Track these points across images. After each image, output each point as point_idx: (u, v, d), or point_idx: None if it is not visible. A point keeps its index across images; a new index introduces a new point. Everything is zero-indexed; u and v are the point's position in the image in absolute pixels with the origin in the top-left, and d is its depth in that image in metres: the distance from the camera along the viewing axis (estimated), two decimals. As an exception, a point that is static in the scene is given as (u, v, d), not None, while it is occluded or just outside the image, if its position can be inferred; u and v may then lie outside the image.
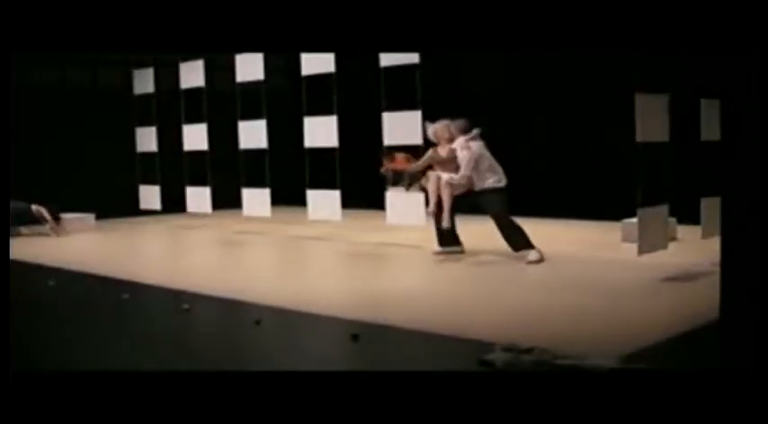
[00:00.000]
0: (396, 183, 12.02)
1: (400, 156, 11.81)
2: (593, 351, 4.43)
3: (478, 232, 10.58)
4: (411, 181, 11.71)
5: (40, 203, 11.19)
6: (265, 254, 9.65)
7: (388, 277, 7.79)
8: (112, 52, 12.61)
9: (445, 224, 8.00)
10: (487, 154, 8.21)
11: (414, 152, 8.77)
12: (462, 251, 8.44)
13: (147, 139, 12.57)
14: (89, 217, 12.19)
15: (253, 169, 10.59)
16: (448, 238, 8.39)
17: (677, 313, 5.53)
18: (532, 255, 7.86)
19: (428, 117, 8.57)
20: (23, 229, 11.26)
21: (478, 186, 8.12)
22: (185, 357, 4.90)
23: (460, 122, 8.29)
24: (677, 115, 7.10)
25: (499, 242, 9.04)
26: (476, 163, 8.07)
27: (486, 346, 4.57)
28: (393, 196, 9.29)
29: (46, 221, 11.21)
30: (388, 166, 12.02)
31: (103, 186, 13.15)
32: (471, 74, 12.40)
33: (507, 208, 8.16)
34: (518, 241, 7.97)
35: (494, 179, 8.14)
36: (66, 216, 11.77)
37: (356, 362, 4.71)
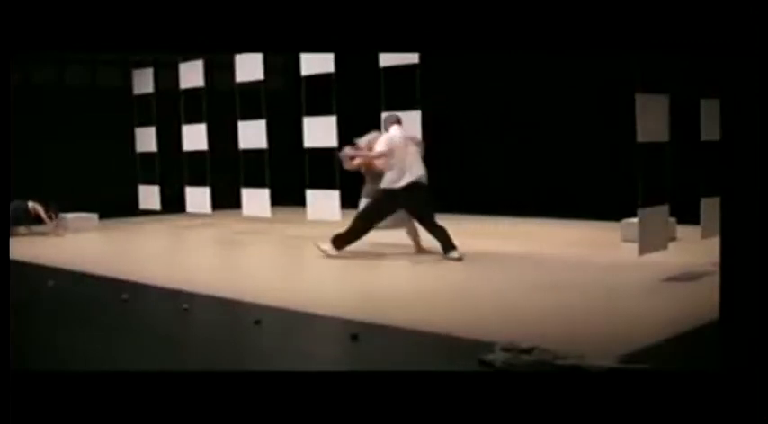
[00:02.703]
0: None
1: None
2: (593, 351, 4.42)
3: (479, 232, 10.59)
4: None
5: (37, 201, 11.20)
6: (265, 254, 9.65)
7: (387, 277, 7.79)
8: (112, 52, 12.61)
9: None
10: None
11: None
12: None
13: (146, 139, 12.57)
14: (92, 217, 12.20)
15: (252, 169, 10.59)
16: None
17: (677, 313, 5.53)
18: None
19: (428, 117, 8.57)
20: (22, 229, 11.26)
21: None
22: (185, 357, 4.90)
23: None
24: (677, 115, 7.11)
25: (499, 242, 9.05)
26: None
27: (486, 346, 4.57)
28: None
29: (43, 219, 11.22)
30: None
31: (103, 186, 13.15)
32: (471, 74, 12.40)
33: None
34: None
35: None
36: (69, 215, 11.79)
37: (356, 362, 4.71)
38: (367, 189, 8.51)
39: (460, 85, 12.71)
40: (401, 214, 8.21)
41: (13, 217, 10.67)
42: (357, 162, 8.45)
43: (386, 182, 7.98)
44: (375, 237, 9.95)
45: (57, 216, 11.49)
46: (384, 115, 8.55)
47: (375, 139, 8.33)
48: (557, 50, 8.42)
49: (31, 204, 11.11)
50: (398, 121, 8.26)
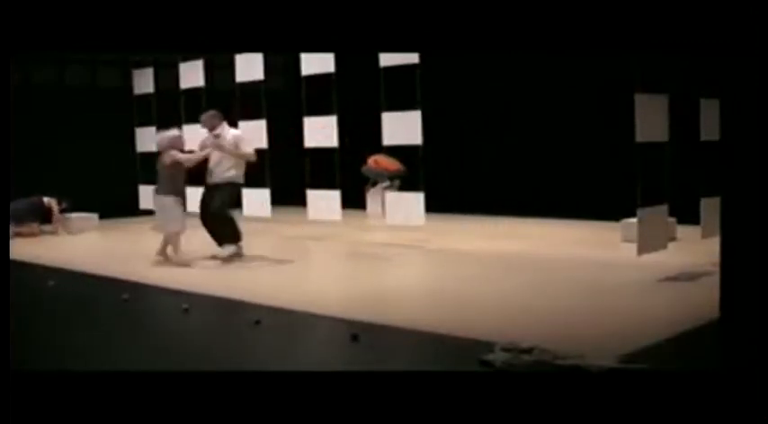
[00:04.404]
0: (375, 183, 12.05)
1: (381, 157, 11.82)
2: (593, 351, 4.43)
3: (480, 232, 10.59)
4: (381, 180, 11.71)
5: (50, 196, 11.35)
6: (265, 254, 9.64)
7: (388, 277, 7.79)
8: (112, 52, 12.60)
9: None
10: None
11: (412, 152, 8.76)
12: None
13: (147, 139, 12.54)
14: (93, 217, 12.21)
15: (253, 169, 10.57)
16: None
17: (677, 313, 5.53)
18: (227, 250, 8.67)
19: (428, 117, 8.56)
20: (34, 226, 11.27)
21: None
22: (185, 358, 4.90)
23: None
24: (677, 115, 7.10)
25: (499, 242, 9.04)
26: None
27: (486, 346, 4.57)
28: (393, 196, 9.29)
29: (54, 214, 11.31)
30: (371, 165, 12.01)
31: (103, 186, 13.14)
32: (471, 74, 12.40)
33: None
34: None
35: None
36: (70, 215, 11.82)
37: (356, 362, 4.71)
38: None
39: (460, 85, 12.70)
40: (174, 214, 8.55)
41: (29, 213, 10.78)
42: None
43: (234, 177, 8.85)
44: (375, 237, 9.96)
45: (65, 210, 11.58)
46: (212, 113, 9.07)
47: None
48: (557, 50, 8.42)
49: (46, 199, 11.19)
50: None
